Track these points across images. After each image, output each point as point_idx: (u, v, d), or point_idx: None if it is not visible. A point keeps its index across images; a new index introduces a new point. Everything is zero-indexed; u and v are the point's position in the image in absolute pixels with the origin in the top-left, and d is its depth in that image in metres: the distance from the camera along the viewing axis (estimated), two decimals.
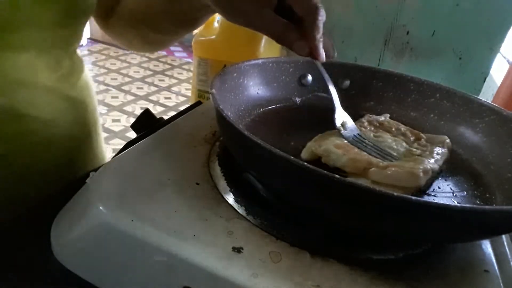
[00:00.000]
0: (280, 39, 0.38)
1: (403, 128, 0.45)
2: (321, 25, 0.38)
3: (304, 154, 0.39)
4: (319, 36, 0.38)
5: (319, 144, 0.38)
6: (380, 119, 0.46)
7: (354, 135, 0.41)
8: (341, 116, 0.42)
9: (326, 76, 0.42)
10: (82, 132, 0.53)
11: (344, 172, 0.36)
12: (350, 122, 0.42)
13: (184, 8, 0.47)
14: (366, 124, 0.45)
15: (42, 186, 0.43)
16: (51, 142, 0.47)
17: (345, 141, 0.39)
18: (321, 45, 0.39)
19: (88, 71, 0.55)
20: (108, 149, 2.37)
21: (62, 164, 0.50)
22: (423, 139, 0.43)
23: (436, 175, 0.39)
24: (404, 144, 0.42)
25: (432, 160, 0.38)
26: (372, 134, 0.43)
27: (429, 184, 0.38)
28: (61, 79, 0.46)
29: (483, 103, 0.45)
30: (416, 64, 0.81)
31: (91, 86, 0.55)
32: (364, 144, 0.39)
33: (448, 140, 0.43)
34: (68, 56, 0.48)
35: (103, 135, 0.61)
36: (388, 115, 0.48)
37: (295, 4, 0.38)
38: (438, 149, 0.40)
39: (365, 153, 0.37)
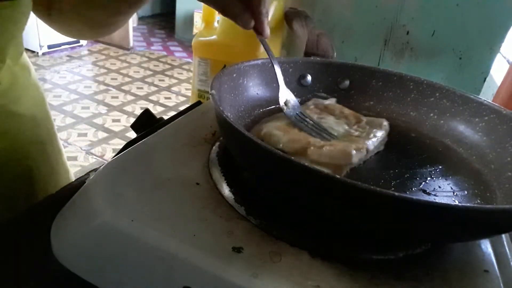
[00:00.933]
0: (224, 11, 0.38)
1: (346, 111, 0.46)
2: None
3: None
4: (265, 10, 0.38)
5: (262, 126, 0.40)
6: (326, 103, 0.47)
7: (297, 113, 0.42)
8: (285, 95, 0.43)
9: (270, 53, 0.43)
10: (38, 150, 0.48)
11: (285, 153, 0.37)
12: (293, 100, 0.43)
13: None
14: (312, 107, 0.46)
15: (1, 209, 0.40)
16: (3, 167, 0.43)
17: (281, 123, 0.40)
18: (266, 20, 0.39)
19: (37, 80, 0.50)
20: (108, 149, 2.38)
21: (19, 187, 0.46)
22: (363, 122, 0.45)
23: (373, 154, 0.41)
24: (345, 126, 0.43)
25: (369, 141, 0.40)
26: (316, 116, 0.44)
27: (366, 163, 0.40)
28: (1, 95, 0.42)
29: (483, 102, 0.45)
30: (416, 64, 0.81)
31: (42, 97, 0.50)
32: (305, 123, 0.41)
33: (386, 123, 0.45)
34: (7, 68, 0.43)
35: (63, 151, 0.55)
36: (335, 99, 0.49)
37: None
38: (376, 131, 0.43)
39: (304, 133, 0.39)
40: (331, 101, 0.48)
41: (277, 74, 0.43)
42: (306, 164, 0.26)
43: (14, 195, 0.45)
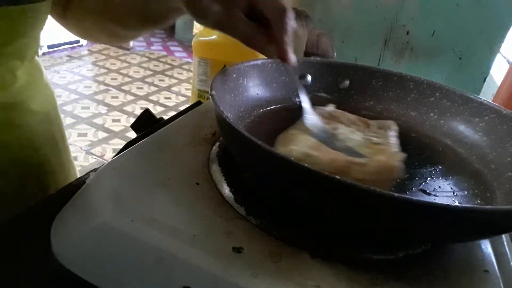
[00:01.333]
0: (250, 43, 0.38)
1: (352, 117, 0.46)
2: (289, 28, 0.38)
3: None
4: (288, 39, 0.38)
5: (292, 148, 0.38)
6: (327, 110, 0.47)
7: (326, 136, 0.40)
8: (312, 117, 0.42)
9: (296, 80, 0.43)
10: (50, 146, 0.50)
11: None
12: (317, 119, 0.42)
13: (157, 8, 0.46)
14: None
15: (8, 210, 0.41)
16: (17, 164, 0.45)
17: (313, 140, 0.39)
18: (290, 49, 0.39)
19: (47, 77, 0.51)
20: (108, 149, 2.37)
21: (32, 184, 0.47)
22: (372, 126, 0.44)
23: None
24: (359, 133, 0.43)
25: (396, 148, 0.40)
26: (326, 127, 0.43)
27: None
28: (18, 92, 0.44)
29: (483, 102, 0.45)
30: (416, 64, 0.81)
31: (53, 96, 0.52)
32: (335, 143, 0.40)
33: (393, 123, 0.45)
34: (24, 67, 0.45)
35: (78, 144, 0.59)
36: (334, 105, 0.48)
37: (263, 7, 0.38)
38: (390, 134, 0.42)
39: (344, 154, 0.37)
40: (331, 107, 0.48)
41: (302, 98, 0.43)
42: (305, 164, 0.26)
43: (27, 188, 0.47)
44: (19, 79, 0.44)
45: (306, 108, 0.42)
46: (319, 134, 0.40)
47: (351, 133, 0.42)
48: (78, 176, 0.56)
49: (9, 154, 0.44)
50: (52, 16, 0.50)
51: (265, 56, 0.40)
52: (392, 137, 0.42)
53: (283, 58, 0.39)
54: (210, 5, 0.37)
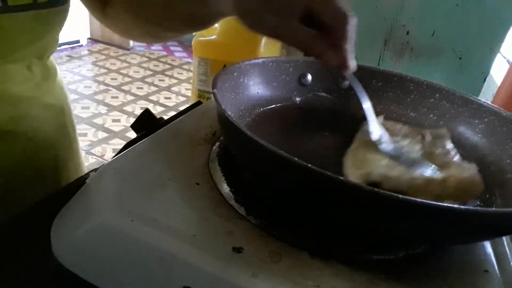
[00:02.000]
0: (309, 50, 0.36)
1: (403, 127, 0.44)
2: (351, 34, 0.35)
3: (355, 180, 0.36)
4: (349, 46, 0.36)
5: (364, 168, 0.36)
6: (380, 122, 0.45)
7: (393, 149, 0.38)
8: (376, 128, 0.40)
9: (359, 87, 0.40)
10: (63, 139, 0.52)
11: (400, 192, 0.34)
12: (384, 134, 0.40)
13: (204, 12, 0.44)
14: None
15: (25, 199, 0.42)
16: (33, 156, 0.46)
17: (385, 160, 0.37)
18: (351, 56, 0.36)
19: (62, 75, 0.54)
20: (108, 149, 2.37)
21: (46, 175, 0.49)
22: (427, 135, 0.43)
23: None
24: (419, 145, 0.41)
25: (460, 158, 0.39)
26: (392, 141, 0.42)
27: None
28: (35, 87, 0.46)
29: (483, 104, 0.45)
30: (416, 64, 0.81)
31: (66, 91, 0.54)
32: (402, 157, 0.37)
33: (446, 131, 0.43)
34: (41, 63, 0.47)
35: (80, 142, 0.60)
36: (383, 115, 0.47)
37: (323, 13, 0.36)
38: (448, 144, 0.41)
39: (420, 173, 0.36)
40: (381, 119, 0.45)
41: (364, 106, 0.40)
42: (307, 164, 0.26)
43: (43, 179, 0.48)
44: (36, 75, 0.46)
45: (371, 119, 0.40)
46: (386, 148, 0.38)
47: (410, 146, 0.41)
48: (85, 171, 0.58)
49: (26, 145, 0.45)
50: (94, 16, 0.52)
51: (325, 63, 0.37)
52: (451, 147, 0.41)
53: (343, 66, 0.36)
54: (265, 16, 0.35)
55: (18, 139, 0.44)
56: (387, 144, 0.39)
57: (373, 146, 0.39)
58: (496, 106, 0.44)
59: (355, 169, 0.36)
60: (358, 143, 0.40)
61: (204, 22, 0.46)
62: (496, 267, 0.31)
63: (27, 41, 0.41)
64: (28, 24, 0.39)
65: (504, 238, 0.36)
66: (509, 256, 0.34)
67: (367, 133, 0.40)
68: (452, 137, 0.45)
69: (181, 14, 0.46)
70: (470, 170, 0.36)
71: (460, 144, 0.45)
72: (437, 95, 0.49)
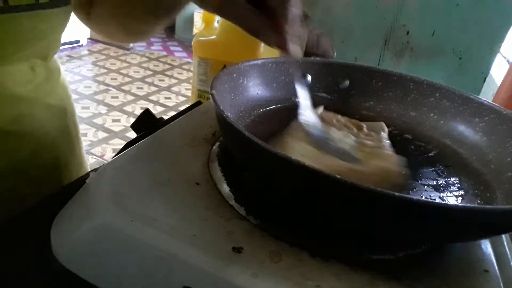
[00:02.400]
0: (252, 31, 0.37)
1: (343, 119, 0.45)
2: (289, 15, 0.36)
3: None
4: (289, 27, 0.36)
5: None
6: (318, 113, 0.46)
7: (323, 136, 0.39)
8: (308, 115, 0.40)
9: (297, 73, 0.42)
10: (65, 140, 0.52)
11: None
12: (316, 121, 0.40)
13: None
14: None
15: (26, 200, 0.42)
16: (35, 156, 0.46)
17: (308, 148, 0.37)
18: (290, 37, 0.36)
19: (65, 76, 0.54)
20: (108, 149, 2.37)
21: (48, 176, 0.49)
22: (364, 128, 0.44)
23: None
24: (352, 137, 0.42)
25: (390, 151, 0.39)
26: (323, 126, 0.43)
27: None
28: (37, 88, 0.46)
29: (483, 102, 0.45)
30: (416, 64, 0.81)
31: (69, 92, 0.54)
32: (329, 146, 0.38)
33: (384, 125, 0.45)
34: (44, 64, 0.47)
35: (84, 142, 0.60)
36: (323, 106, 0.48)
37: None
38: (382, 136, 0.42)
39: (341, 161, 0.36)
40: (320, 109, 0.47)
41: (298, 94, 0.41)
42: (305, 163, 0.26)
43: (44, 180, 0.48)
44: (39, 76, 0.46)
45: (303, 103, 0.41)
46: (314, 133, 0.39)
47: (344, 137, 0.42)
48: (89, 169, 0.58)
49: (27, 146, 0.45)
50: (78, 17, 0.53)
51: (267, 45, 0.38)
52: (385, 140, 0.42)
53: (282, 47, 0.37)
54: None
55: (19, 140, 0.44)
56: (316, 130, 0.39)
57: (304, 135, 0.39)
58: (496, 104, 0.44)
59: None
60: (288, 132, 0.40)
61: (174, 10, 0.48)
62: (496, 267, 0.31)
63: (29, 41, 0.41)
64: (29, 25, 0.39)
65: (504, 238, 0.36)
66: (509, 256, 0.34)
67: (300, 119, 0.40)
68: (453, 135, 0.45)
69: (147, 1, 0.47)
70: (392, 161, 0.37)
71: (461, 143, 0.45)
72: (437, 94, 0.49)
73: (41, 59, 0.46)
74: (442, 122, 0.48)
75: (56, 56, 0.51)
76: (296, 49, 0.37)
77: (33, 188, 0.46)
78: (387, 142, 0.42)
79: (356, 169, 0.35)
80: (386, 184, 0.35)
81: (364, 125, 0.45)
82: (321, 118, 0.44)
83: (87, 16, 0.53)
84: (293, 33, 0.36)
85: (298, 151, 0.37)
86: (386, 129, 0.44)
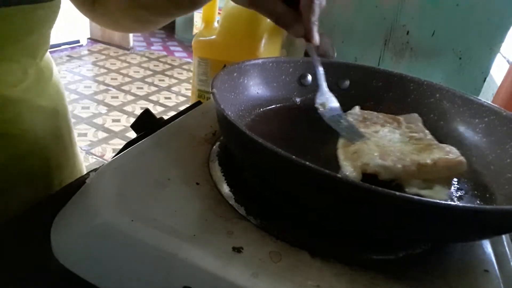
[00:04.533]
0: (278, 21, 0.40)
1: (380, 115, 0.46)
2: (316, 8, 0.39)
3: (352, 174, 0.35)
4: (314, 18, 0.39)
5: (360, 160, 0.36)
6: (357, 113, 0.47)
7: (333, 115, 0.42)
8: (325, 96, 0.44)
9: (314, 57, 0.44)
10: (57, 141, 0.51)
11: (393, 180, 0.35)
12: (333, 103, 0.44)
13: None
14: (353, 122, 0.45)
15: (14, 202, 0.42)
16: (23, 158, 0.45)
17: (376, 146, 0.38)
18: (315, 28, 0.40)
19: (58, 75, 0.52)
20: (108, 149, 2.37)
21: (37, 178, 0.48)
22: (401, 121, 0.45)
23: None
24: (396, 131, 0.43)
25: (434, 139, 0.41)
26: (372, 130, 0.43)
27: None
28: (27, 89, 0.45)
29: (483, 104, 0.45)
30: (416, 64, 0.81)
31: (62, 91, 0.53)
32: (340, 124, 0.41)
33: (416, 115, 0.46)
34: (35, 64, 0.46)
35: (77, 143, 0.58)
36: (358, 107, 0.48)
37: None
38: (421, 127, 0.44)
39: (407, 153, 0.38)
40: (356, 109, 0.47)
41: (318, 76, 0.44)
42: (306, 162, 0.26)
43: (33, 183, 0.47)
44: (29, 77, 0.45)
45: (321, 85, 0.44)
46: (325, 113, 0.42)
47: (390, 133, 0.43)
48: (84, 171, 0.57)
49: (15, 148, 0.45)
50: (80, 10, 0.51)
51: (291, 34, 0.41)
52: (426, 130, 0.43)
53: (308, 37, 0.40)
54: None
55: (7, 142, 0.43)
56: (329, 111, 0.43)
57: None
58: (496, 105, 0.44)
59: (350, 161, 0.37)
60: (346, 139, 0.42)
61: (193, 1, 0.46)
62: (496, 267, 0.31)
63: (15, 37, 0.40)
64: (14, 20, 0.39)
65: (504, 238, 0.36)
66: (509, 256, 0.34)
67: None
68: (453, 136, 0.45)
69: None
70: (453, 151, 0.38)
71: (460, 144, 0.45)
72: (437, 95, 0.49)
73: (31, 57, 0.45)
74: (442, 123, 0.48)
75: (49, 55, 0.50)
76: (318, 37, 0.41)
77: (20, 190, 0.45)
78: (427, 132, 0.43)
79: (428, 165, 0.36)
80: (455, 173, 0.37)
81: (401, 118, 0.45)
82: (363, 117, 0.46)
83: (91, 8, 0.51)
84: (315, 23, 0.40)
85: (371, 154, 0.37)
86: (421, 119, 0.45)
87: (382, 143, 0.40)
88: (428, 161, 0.36)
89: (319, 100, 0.43)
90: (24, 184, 0.46)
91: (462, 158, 0.37)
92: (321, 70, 0.44)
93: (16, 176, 0.45)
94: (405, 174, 0.35)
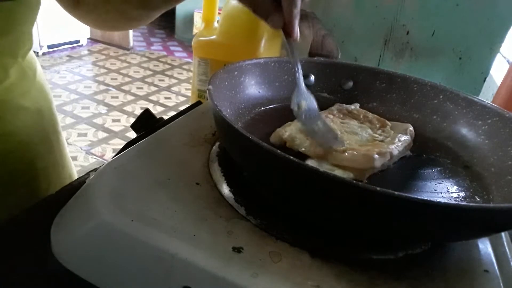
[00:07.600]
0: (256, 10, 0.37)
1: (370, 115, 0.46)
2: (298, 0, 0.36)
3: (272, 138, 0.40)
4: (296, 11, 0.37)
5: (286, 129, 0.40)
6: (350, 108, 0.47)
7: (308, 115, 0.40)
8: (303, 96, 0.41)
9: (294, 54, 0.41)
10: (42, 145, 0.49)
11: (307, 156, 0.37)
12: (311, 103, 0.41)
13: None
14: (335, 112, 0.45)
15: (1, 202, 0.41)
16: (3, 161, 0.44)
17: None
18: (296, 21, 0.37)
19: (43, 75, 0.51)
20: (108, 149, 2.37)
21: (22, 181, 0.47)
22: (388, 126, 0.44)
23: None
24: (369, 130, 0.43)
25: (392, 146, 0.39)
26: (339, 121, 0.43)
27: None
28: (9, 89, 0.44)
29: (486, 105, 0.45)
30: (416, 64, 0.81)
31: (47, 91, 0.52)
32: (314, 125, 0.39)
33: (411, 128, 0.44)
34: (16, 63, 0.45)
35: (66, 145, 0.57)
36: (358, 104, 0.48)
37: None
38: (401, 136, 0.42)
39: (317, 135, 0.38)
40: (355, 106, 0.48)
41: (297, 75, 0.41)
42: (306, 163, 0.26)
43: (16, 186, 0.46)
44: (10, 76, 0.44)
45: (298, 85, 0.41)
46: (301, 112, 0.40)
47: (359, 129, 0.42)
48: (76, 174, 0.57)
49: (12, 145, 0.44)
50: (64, 8, 0.49)
51: (270, 26, 0.38)
52: (400, 138, 0.41)
53: (288, 30, 0.37)
54: None
55: None
56: (304, 112, 0.40)
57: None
58: (499, 107, 0.44)
59: (279, 128, 0.41)
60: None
61: None
62: (496, 267, 0.31)
63: None
64: None
65: (504, 238, 0.36)
66: (509, 256, 0.34)
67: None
68: (456, 138, 0.45)
69: None
70: (374, 148, 0.38)
71: (463, 146, 0.45)
72: (441, 97, 0.48)
73: (11, 57, 0.43)
74: (445, 124, 0.47)
75: (33, 55, 0.49)
76: (298, 32, 0.38)
77: (2, 194, 0.44)
78: (401, 140, 0.41)
79: (337, 149, 0.36)
80: (360, 166, 0.36)
81: (389, 124, 0.45)
82: (349, 112, 0.46)
83: (76, 5, 0.49)
84: (296, 16, 0.37)
85: (295, 129, 0.39)
86: (411, 131, 0.44)
87: (340, 130, 0.41)
88: (341, 148, 0.37)
89: (296, 100, 0.40)
90: (6, 188, 0.45)
91: (370, 153, 0.36)
92: (299, 67, 0.41)
93: (0, 178, 0.44)
94: (313, 153, 0.37)
